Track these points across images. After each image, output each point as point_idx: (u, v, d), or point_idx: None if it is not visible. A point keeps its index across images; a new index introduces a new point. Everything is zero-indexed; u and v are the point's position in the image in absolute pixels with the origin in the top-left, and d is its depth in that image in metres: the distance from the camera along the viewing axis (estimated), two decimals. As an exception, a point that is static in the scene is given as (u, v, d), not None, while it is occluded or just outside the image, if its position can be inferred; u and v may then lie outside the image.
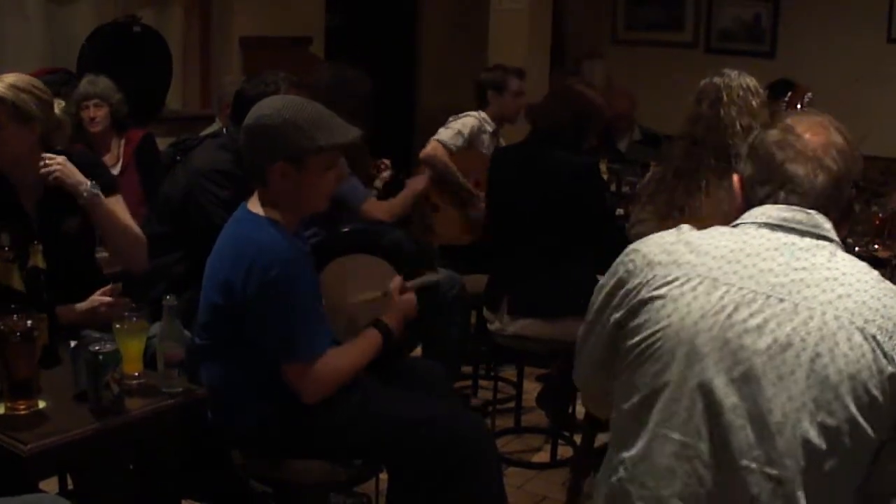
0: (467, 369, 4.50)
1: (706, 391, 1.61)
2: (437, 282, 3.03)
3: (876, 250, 3.77)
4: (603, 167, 4.43)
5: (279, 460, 2.59)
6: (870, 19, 6.44)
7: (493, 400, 4.30)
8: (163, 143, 4.61)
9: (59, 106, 2.96)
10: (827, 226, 1.68)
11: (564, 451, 3.91)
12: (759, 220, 1.71)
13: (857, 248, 3.79)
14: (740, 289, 1.63)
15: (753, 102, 3.06)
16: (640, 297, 1.70)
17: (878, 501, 1.68)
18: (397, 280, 2.78)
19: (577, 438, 3.89)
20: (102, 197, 2.87)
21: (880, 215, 3.91)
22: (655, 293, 1.68)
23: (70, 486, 2.88)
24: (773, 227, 1.69)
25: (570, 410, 4.07)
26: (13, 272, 2.50)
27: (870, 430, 1.56)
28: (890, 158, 6.34)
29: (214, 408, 2.54)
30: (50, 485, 2.87)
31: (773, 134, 1.74)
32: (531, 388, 4.27)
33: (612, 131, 5.56)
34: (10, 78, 2.81)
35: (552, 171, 3.63)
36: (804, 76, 5.00)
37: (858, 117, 5.48)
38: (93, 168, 3.01)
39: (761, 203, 1.73)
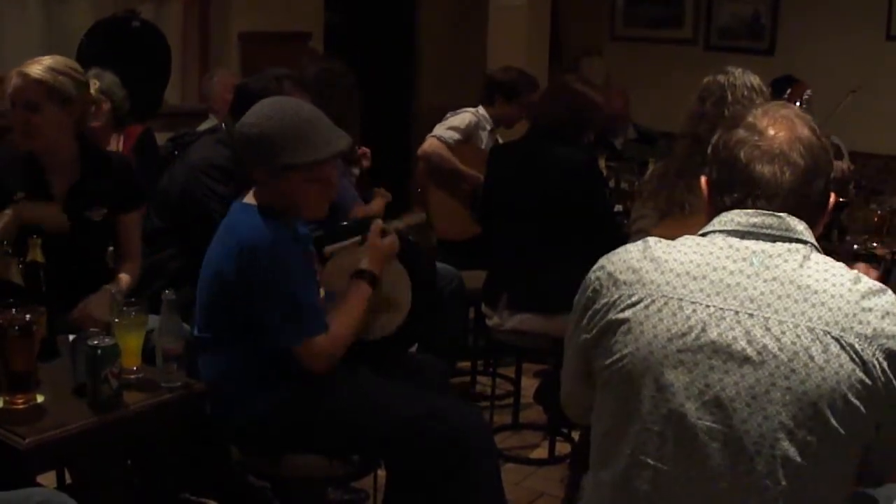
0: (465, 365, 4.50)
1: (678, 417, 1.56)
2: (420, 222, 3.00)
3: (874, 248, 3.77)
4: (601, 164, 4.43)
5: (277, 455, 2.59)
6: (869, 17, 6.44)
7: (491, 396, 4.30)
8: (161, 138, 4.60)
9: (94, 86, 3.00)
10: (799, 227, 1.63)
11: (562, 448, 3.91)
12: (727, 228, 1.65)
13: (855, 246, 3.79)
14: (707, 307, 1.57)
15: (757, 101, 3.05)
16: (607, 318, 1.66)
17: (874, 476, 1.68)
18: (376, 223, 2.77)
19: (576, 435, 3.89)
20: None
21: (879, 213, 3.91)
22: (621, 316, 1.64)
23: (68, 481, 2.88)
24: (743, 234, 1.63)
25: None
26: (12, 266, 2.50)
27: (851, 441, 1.53)
28: (889, 156, 6.36)
29: (213, 401, 2.55)
30: (48, 479, 2.86)
31: (736, 133, 1.68)
32: (529, 385, 4.27)
33: (609, 129, 5.56)
34: (48, 60, 2.86)
35: (552, 167, 3.63)
36: (803, 73, 5.00)
37: (857, 114, 5.52)
38: (125, 177, 3.08)
39: (730, 209, 1.66)
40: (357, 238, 2.81)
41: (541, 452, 3.95)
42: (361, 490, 3.38)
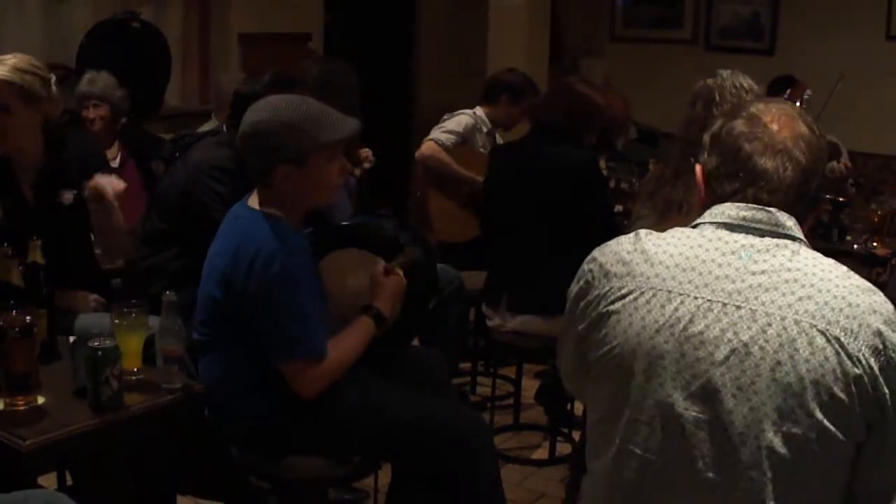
0: (466, 366, 4.50)
1: (666, 407, 1.58)
2: (420, 259, 2.99)
3: (875, 248, 3.78)
4: (601, 164, 4.43)
5: (278, 456, 2.59)
6: (869, 16, 6.44)
7: (491, 397, 4.30)
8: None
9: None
10: (789, 223, 1.63)
11: (563, 448, 3.92)
12: (717, 220, 1.65)
13: (855, 246, 3.80)
14: (695, 298, 1.58)
15: (748, 99, 3.06)
16: (598, 310, 1.68)
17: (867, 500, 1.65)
18: (380, 264, 2.74)
19: (576, 435, 3.89)
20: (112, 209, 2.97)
21: (879, 213, 3.91)
22: (611, 308, 1.65)
23: (69, 482, 2.88)
24: (732, 227, 1.64)
25: (568, 407, 4.08)
26: (12, 268, 2.50)
27: (840, 435, 1.51)
28: (888, 155, 6.37)
29: (212, 404, 2.54)
30: (48, 480, 2.87)
31: (739, 125, 1.68)
32: (530, 385, 4.27)
33: (611, 132, 5.55)
34: (12, 60, 2.89)
35: (552, 167, 3.63)
36: (803, 73, 5.00)
37: (857, 114, 5.52)
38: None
39: (729, 198, 1.67)
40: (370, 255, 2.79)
41: (541, 453, 3.95)
42: (361, 490, 3.38)
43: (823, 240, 3.78)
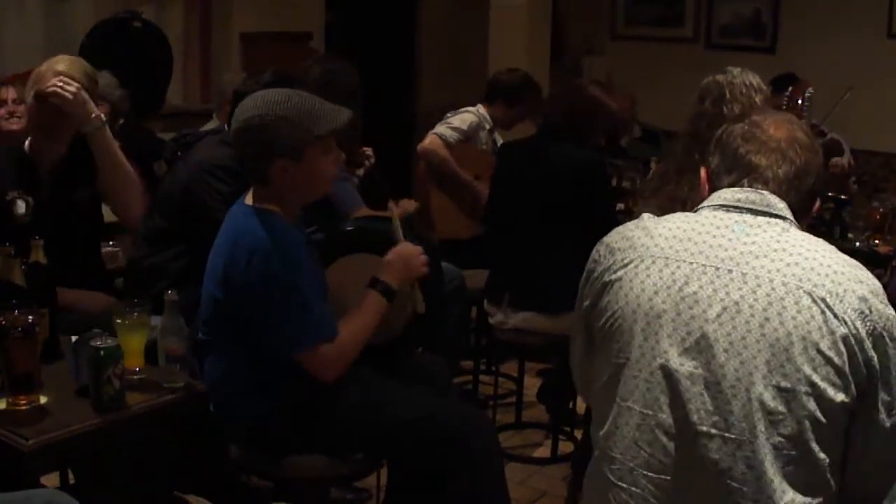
0: (468, 364, 4.50)
1: (662, 362, 1.69)
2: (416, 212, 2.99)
3: (876, 245, 3.78)
4: (601, 163, 4.43)
5: (278, 456, 2.59)
6: (870, 15, 6.44)
7: (493, 395, 4.30)
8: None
9: (102, 80, 3.21)
10: (780, 205, 1.75)
11: (565, 447, 3.92)
12: (714, 203, 1.79)
13: (857, 244, 3.80)
14: (690, 263, 1.71)
15: (756, 99, 3.05)
16: (602, 280, 1.80)
17: (860, 480, 1.70)
18: (405, 246, 2.73)
19: (578, 434, 3.89)
20: (107, 129, 3.06)
21: (881, 210, 3.91)
22: (614, 276, 1.78)
23: (71, 481, 2.88)
24: (728, 208, 1.76)
25: (570, 406, 4.08)
26: (15, 267, 2.50)
27: (831, 392, 1.59)
28: (890, 153, 6.36)
29: (216, 403, 2.54)
30: (51, 479, 2.87)
31: (739, 128, 1.83)
32: (532, 384, 4.28)
33: (616, 132, 5.55)
34: (77, 63, 3.02)
35: (558, 166, 3.64)
36: (804, 71, 4.99)
37: (858, 112, 5.52)
38: None
39: (727, 188, 1.80)
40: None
41: (543, 451, 3.95)
42: (364, 490, 3.38)
43: (825, 237, 3.77)
